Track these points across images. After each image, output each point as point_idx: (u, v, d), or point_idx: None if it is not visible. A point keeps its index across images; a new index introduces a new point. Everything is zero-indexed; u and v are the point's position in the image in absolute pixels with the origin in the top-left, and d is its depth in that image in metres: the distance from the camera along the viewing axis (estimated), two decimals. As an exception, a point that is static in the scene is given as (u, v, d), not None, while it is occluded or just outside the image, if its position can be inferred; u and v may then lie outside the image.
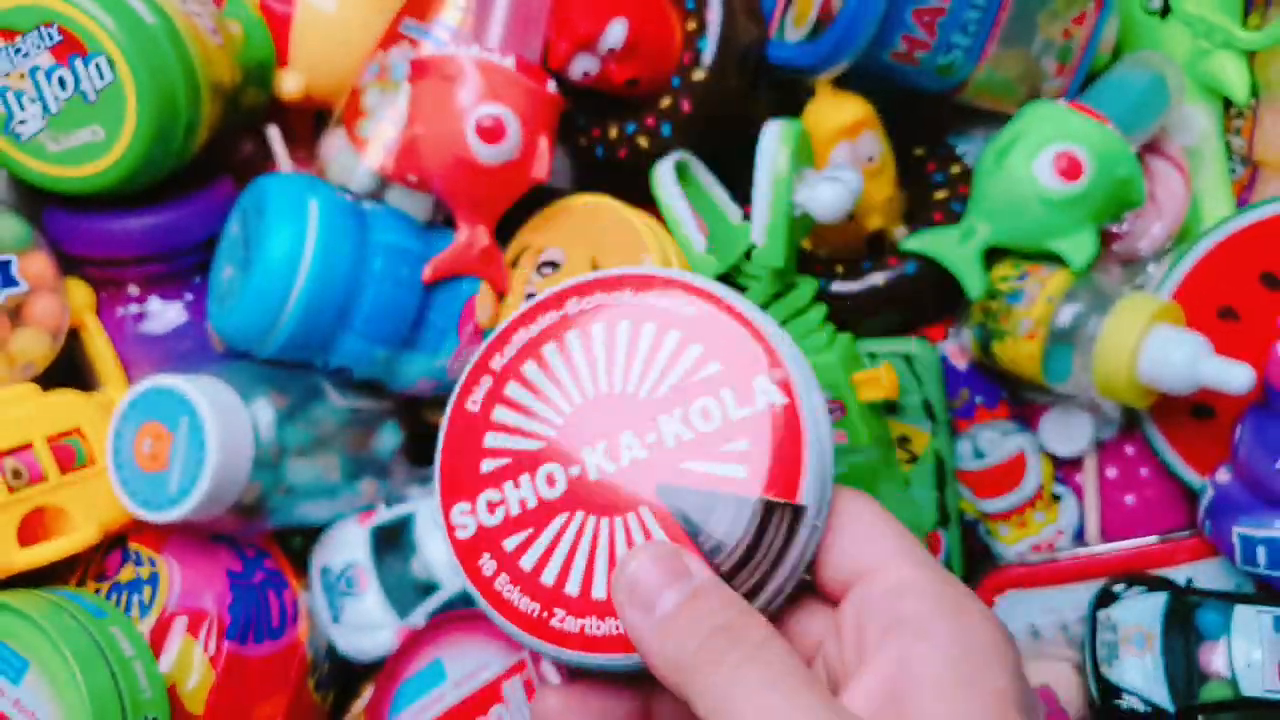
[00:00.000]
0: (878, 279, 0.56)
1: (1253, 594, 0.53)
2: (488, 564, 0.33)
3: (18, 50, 0.48)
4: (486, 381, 0.35)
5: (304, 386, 0.52)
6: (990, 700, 0.28)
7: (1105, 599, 0.54)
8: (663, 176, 0.53)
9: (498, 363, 0.35)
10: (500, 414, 0.35)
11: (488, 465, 0.34)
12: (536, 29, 0.52)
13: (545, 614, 0.32)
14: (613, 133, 0.56)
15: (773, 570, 0.31)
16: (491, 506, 0.34)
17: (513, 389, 0.35)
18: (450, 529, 0.34)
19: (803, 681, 0.28)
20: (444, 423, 0.35)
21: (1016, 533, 0.59)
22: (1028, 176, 0.52)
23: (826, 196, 0.50)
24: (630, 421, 0.33)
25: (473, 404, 0.35)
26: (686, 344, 0.33)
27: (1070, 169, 0.52)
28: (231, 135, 0.59)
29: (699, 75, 0.53)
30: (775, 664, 0.28)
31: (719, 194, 0.55)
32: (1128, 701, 0.51)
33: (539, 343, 0.35)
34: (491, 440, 0.34)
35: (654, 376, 0.33)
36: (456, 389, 0.36)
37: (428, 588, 0.54)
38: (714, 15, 0.53)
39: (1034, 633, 0.58)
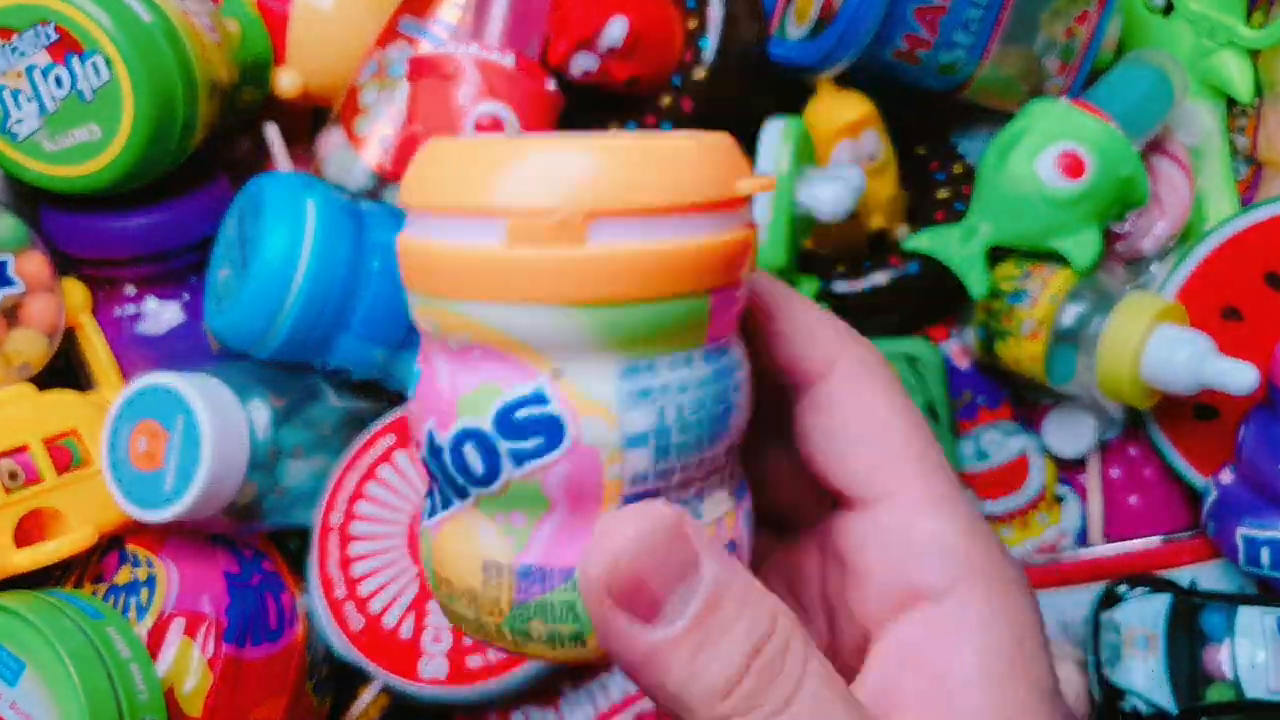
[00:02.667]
0: (880, 279, 0.56)
1: (1256, 595, 0.53)
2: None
3: (14, 49, 0.48)
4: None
5: (301, 387, 0.52)
6: (1028, 693, 0.24)
7: (1108, 600, 0.54)
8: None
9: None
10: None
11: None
12: (536, 27, 0.52)
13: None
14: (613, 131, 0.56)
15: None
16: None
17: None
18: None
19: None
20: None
21: (1019, 534, 0.59)
22: (1030, 175, 0.52)
23: (828, 195, 0.50)
24: None
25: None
26: None
27: (1073, 167, 0.52)
28: (228, 134, 0.58)
29: (700, 74, 0.53)
30: (826, 707, 0.23)
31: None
32: (1131, 703, 0.51)
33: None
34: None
35: None
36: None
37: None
38: (715, 13, 0.53)
39: (1036, 634, 0.57)
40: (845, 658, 0.27)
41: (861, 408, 0.26)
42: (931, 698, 0.24)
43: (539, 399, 0.23)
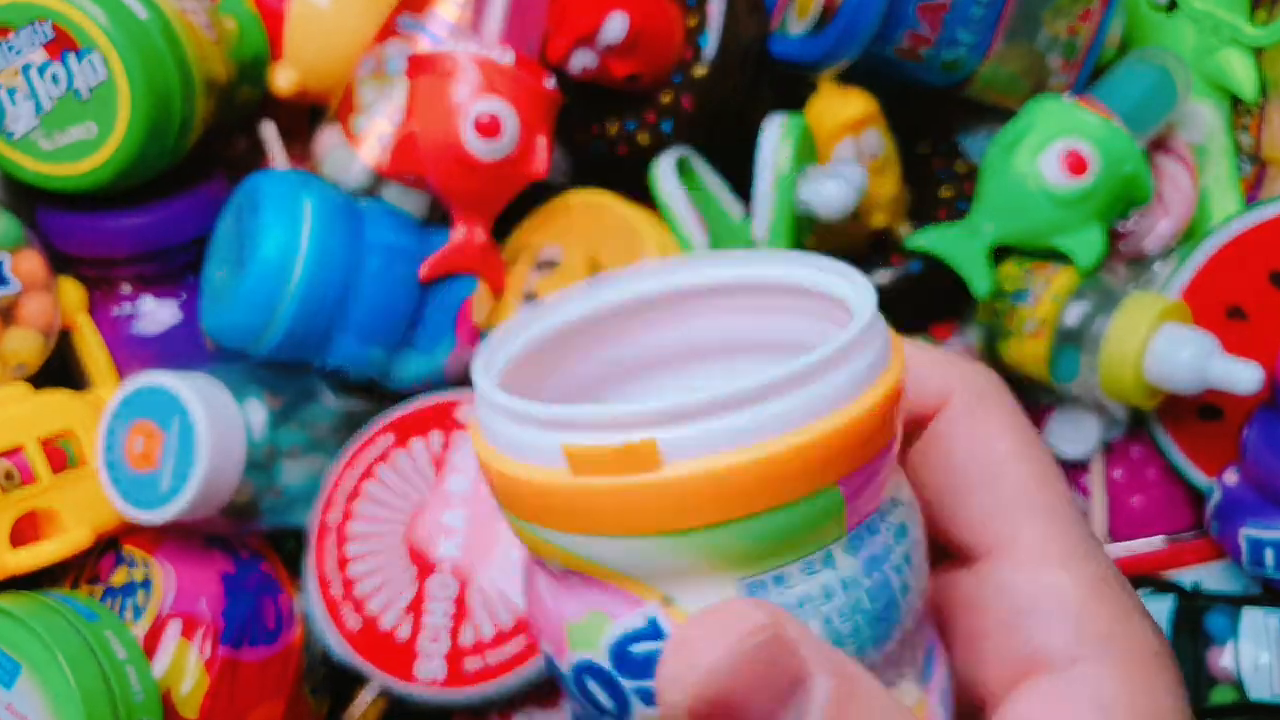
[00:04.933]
0: (882, 278, 0.56)
1: (1261, 596, 0.53)
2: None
3: (10, 47, 0.48)
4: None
5: (298, 387, 0.52)
6: None
7: (1112, 602, 0.54)
8: (663, 173, 0.53)
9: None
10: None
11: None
12: (535, 23, 0.52)
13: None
14: (612, 129, 0.55)
15: None
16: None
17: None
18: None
19: None
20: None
21: (1021, 534, 0.58)
22: (1033, 173, 0.52)
23: (830, 194, 0.50)
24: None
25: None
26: None
27: (1076, 165, 0.51)
28: (225, 131, 0.58)
29: (700, 71, 0.53)
30: None
31: (720, 191, 0.55)
32: (1135, 706, 0.51)
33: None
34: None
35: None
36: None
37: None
38: (715, 10, 0.53)
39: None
40: None
41: (976, 447, 0.22)
42: None
43: (654, 631, 0.19)
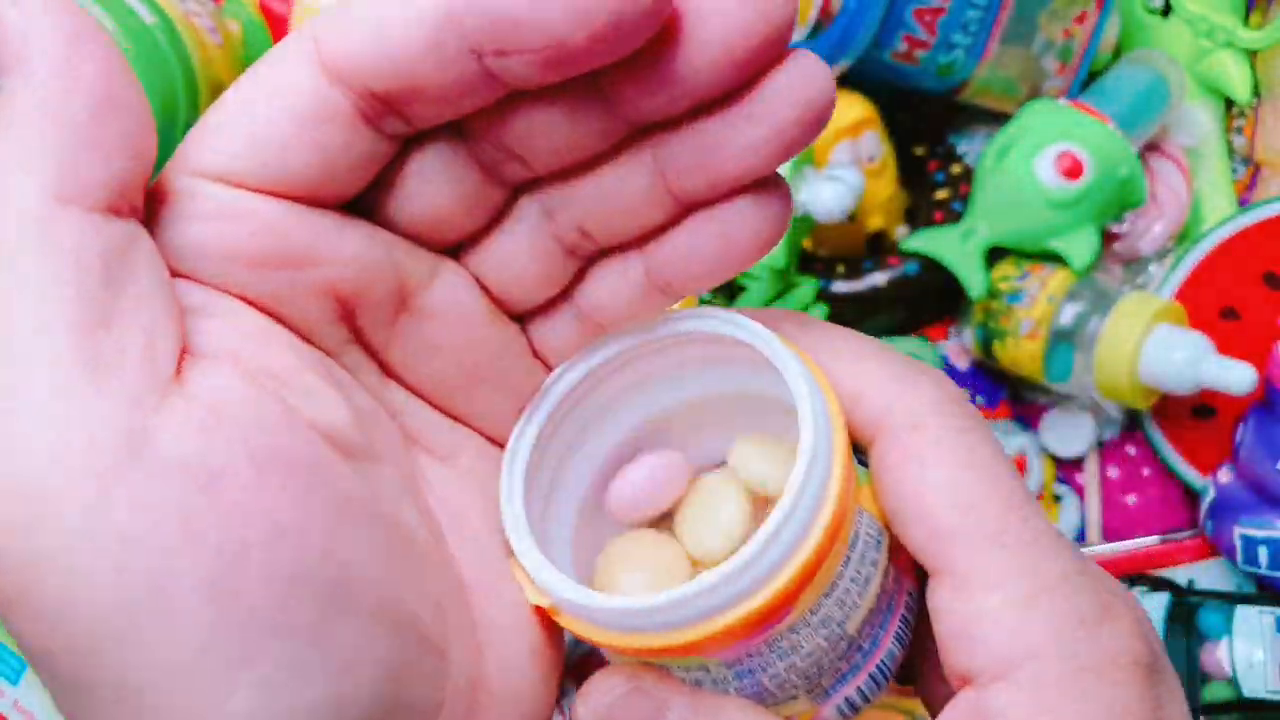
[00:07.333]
0: (879, 279, 0.56)
1: (1254, 594, 0.53)
2: None
3: (16, 50, 0.48)
4: None
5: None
6: None
7: (1106, 599, 0.54)
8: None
9: None
10: None
11: None
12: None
13: None
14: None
15: None
16: None
17: None
18: None
19: None
20: None
21: (1017, 533, 0.59)
22: (1028, 176, 0.52)
23: (827, 196, 0.50)
24: None
25: None
26: None
27: (1071, 168, 0.52)
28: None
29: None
30: None
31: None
32: (1129, 702, 0.51)
33: None
34: None
35: None
36: None
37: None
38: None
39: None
40: None
41: (907, 479, 0.22)
42: None
43: None
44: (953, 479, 0.22)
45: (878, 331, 0.56)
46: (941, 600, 0.22)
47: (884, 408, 0.23)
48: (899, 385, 0.23)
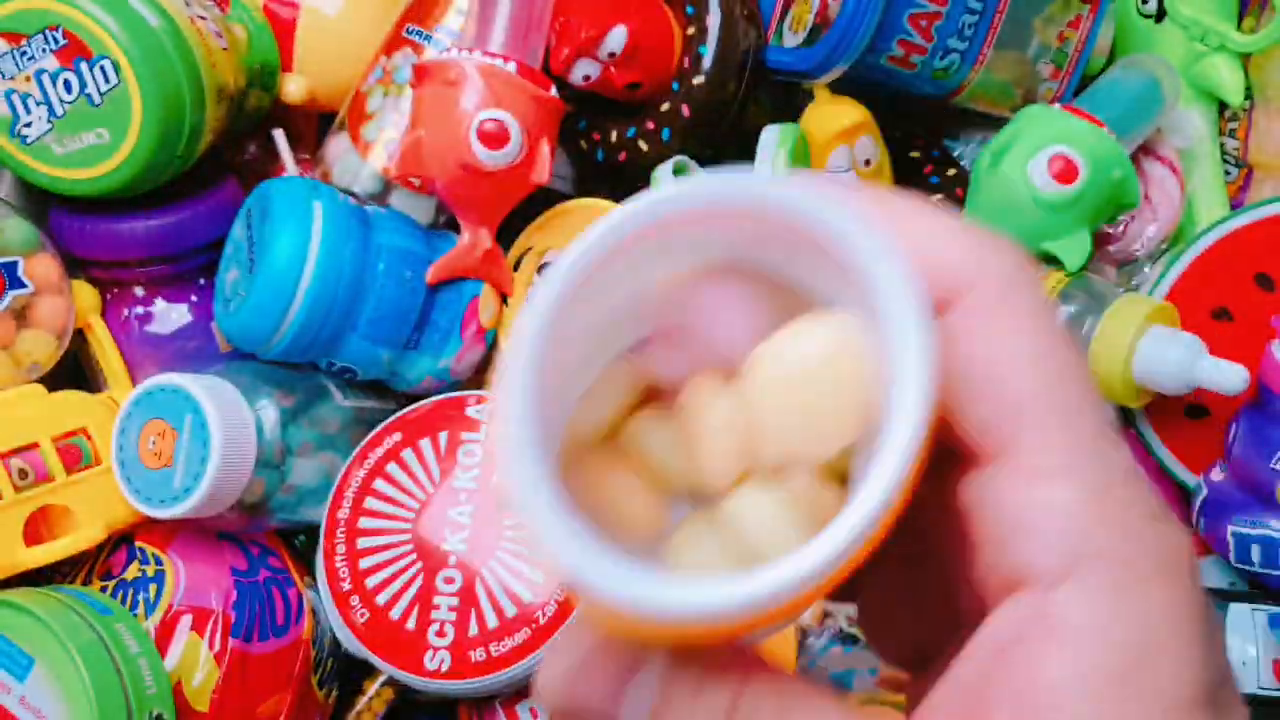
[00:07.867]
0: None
1: (1247, 592, 0.54)
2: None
3: (23, 53, 0.48)
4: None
5: (309, 386, 0.52)
6: (1145, 710, 0.19)
7: (1101, 597, 0.54)
8: (663, 179, 0.53)
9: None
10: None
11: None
12: (538, 34, 0.53)
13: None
14: (613, 137, 0.56)
15: None
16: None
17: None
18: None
19: None
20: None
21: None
22: (1023, 179, 0.53)
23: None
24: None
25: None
26: None
27: (1065, 172, 0.52)
28: (235, 138, 0.59)
29: (698, 80, 0.54)
30: None
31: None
32: (1123, 698, 0.51)
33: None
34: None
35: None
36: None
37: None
38: (713, 21, 0.53)
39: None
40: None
41: (992, 348, 0.20)
42: (1019, 711, 0.19)
43: None
44: (1043, 351, 0.20)
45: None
46: (997, 490, 0.20)
47: (967, 272, 0.20)
48: (985, 249, 0.21)
